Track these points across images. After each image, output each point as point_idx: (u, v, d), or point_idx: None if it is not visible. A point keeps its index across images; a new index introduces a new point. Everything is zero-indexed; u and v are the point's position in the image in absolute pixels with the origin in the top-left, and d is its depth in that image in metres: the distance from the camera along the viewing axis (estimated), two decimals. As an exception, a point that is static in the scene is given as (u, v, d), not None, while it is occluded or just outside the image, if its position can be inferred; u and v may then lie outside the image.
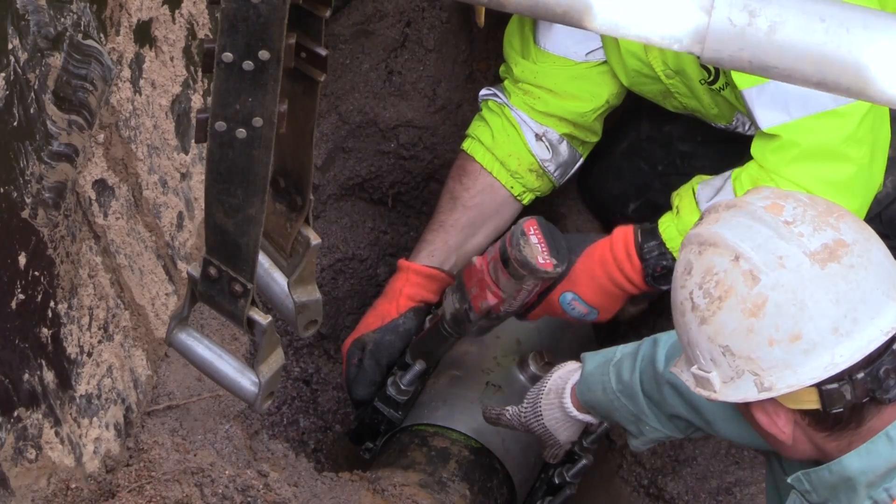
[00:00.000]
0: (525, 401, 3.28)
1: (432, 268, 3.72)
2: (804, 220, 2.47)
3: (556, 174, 3.77)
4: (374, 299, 3.80)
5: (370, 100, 4.03)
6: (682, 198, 3.43)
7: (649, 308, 4.16)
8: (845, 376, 2.43)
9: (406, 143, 4.08)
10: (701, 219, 2.58)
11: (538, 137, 3.72)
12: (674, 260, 3.35)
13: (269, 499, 2.86)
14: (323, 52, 2.21)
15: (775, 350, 2.43)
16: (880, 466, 2.49)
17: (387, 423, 3.66)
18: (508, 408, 3.33)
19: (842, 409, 2.46)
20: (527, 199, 3.79)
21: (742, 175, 3.34)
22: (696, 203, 3.39)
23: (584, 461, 3.69)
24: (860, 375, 2.43)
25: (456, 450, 3.55)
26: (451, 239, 3.75)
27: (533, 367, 3.69)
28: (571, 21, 2.22)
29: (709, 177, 3.45)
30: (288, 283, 2.47)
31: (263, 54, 2.10)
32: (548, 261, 3.28)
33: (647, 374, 2.98)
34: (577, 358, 3.83)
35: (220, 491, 2.79)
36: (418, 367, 3.63)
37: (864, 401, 2.45)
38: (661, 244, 3.39)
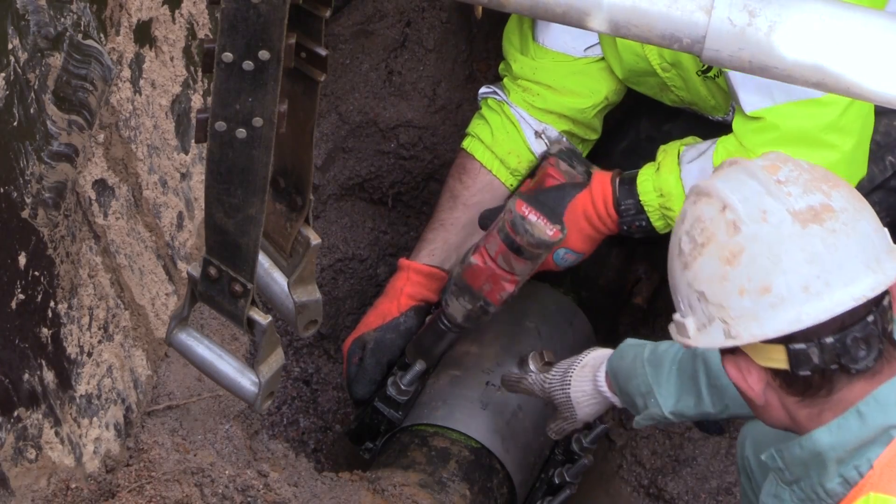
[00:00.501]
0: (553, 369, 3.35)
1: (433, 267, 3.73)
2: (797, 182, 2.51)
3: None
4: (374, 299, 3.79)
5: (370, 100, 4.03)
6: (667, 154, 3.50)
7: (649, 308, 4.17)
8: (814, 338, 2.46)
9: (406, 143, 4.08)
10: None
11: (538, 135, 3.72)
12: (648, 221, 3.49)
13: (269, 499, 2.86)
14: (323, 52, 2.21)
15: (745, 300, 2.47)
16: (850, 442, 2.51)
17: (387, 423, 3.65)
18: (532, 373, 3.40)
19: (810, 373, 2.48)
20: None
21: (720, 147, 3.41)
22: (678, 162, 3.46)
23: (584, 461, 3.69)
24: (829, 340, 2.46)
25: (456, 450, 3.55)
26: (452, 237, 3.76)
27: (533, 367, 3.68)
28: (571, 21, 2.22)
29: (699, 140, 3.50)
30: (288, 283, 2.47)
31: (263, 54, 2.10)
32: (554, 230, 3.40)
33: (688, 351, 3.07)
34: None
35: (220, 491, 2.79)
36: (418, 367, 3.63)
37: (833, 368, 2.48)
38: (638, 202, 3.49)
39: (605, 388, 3.23)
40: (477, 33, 4.07)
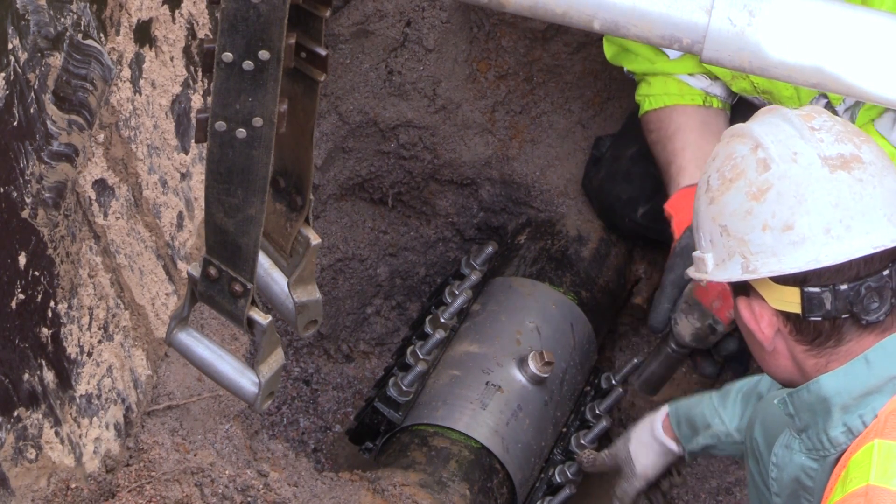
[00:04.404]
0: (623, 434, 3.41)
1: (678, 190, 3.64)
2: (830, 131, 2.56)
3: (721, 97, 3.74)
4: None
5: (370, 100, 4.03)
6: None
7: (649, 308, 4.16)
8: (829, 284, 2.50)
9: (406, 143, 4.08)
10: None
11: (691, 75, 3.70)
12: None
13: (269, 499, 2.86)
14: (323, 52, 2.21)
15: (766, 236, 2.52)
16: (856, 389, 2.54)
17: (387, 424, 3.65)
18: (604, 451, 3.46)
19: (820, 319, 2.52)
20: (715, 103, 3.73)
21: None
22: (877, 133, 3.43)
23: (584, 461, 3.69)
24: (843, 287, 2.50)
25: (456, 450, 3.55)
26: (673, 169, 3.67)
27: (533, 367, 3.69)
28: (571, 21, 2.22)
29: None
30: (288, 283, 2.47)
31: (263, 54, 2.10)
32: None
33: (751, 382, 3.14)
34: (573, 356, 3.82)
35: (220, 491, 2.79)
36: (420, 367, 3.63)
37: (844, 317, 2.51)
38: None
39: (661, 432, 3.28)
40: (477, 33, 4.07)
